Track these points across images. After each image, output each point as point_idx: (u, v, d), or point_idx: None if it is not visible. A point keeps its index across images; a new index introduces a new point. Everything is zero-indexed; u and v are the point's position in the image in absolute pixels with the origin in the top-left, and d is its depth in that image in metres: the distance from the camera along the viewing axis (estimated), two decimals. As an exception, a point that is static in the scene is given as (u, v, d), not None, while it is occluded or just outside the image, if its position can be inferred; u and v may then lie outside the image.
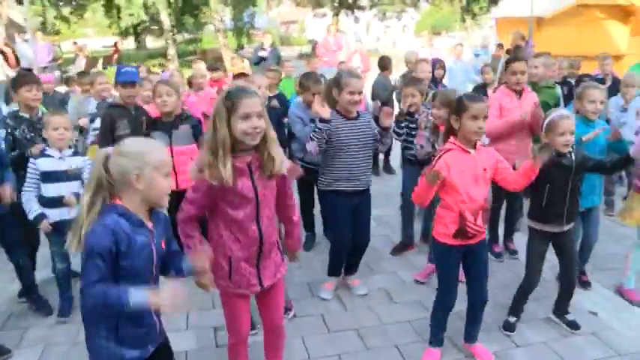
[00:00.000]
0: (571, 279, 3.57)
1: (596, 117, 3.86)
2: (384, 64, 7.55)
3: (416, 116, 4.47)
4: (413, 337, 3.60)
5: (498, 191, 4.31)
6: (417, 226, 5.12)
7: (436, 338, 3.34)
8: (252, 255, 2.55)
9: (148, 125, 4.27)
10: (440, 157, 3.04)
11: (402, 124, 4.49)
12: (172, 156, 3.75)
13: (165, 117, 4.26)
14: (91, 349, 2.13)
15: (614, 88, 5.93)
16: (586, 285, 4.17)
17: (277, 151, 2.50)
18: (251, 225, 2.51)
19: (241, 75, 5.48)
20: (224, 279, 2.59)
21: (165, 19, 20.00)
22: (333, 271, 4.17)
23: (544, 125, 3.38)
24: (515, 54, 7.05)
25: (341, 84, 3.76)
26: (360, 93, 3.79)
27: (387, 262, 4.72)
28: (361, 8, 27.91)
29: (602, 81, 6.02)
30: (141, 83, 4.75)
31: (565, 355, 3.38)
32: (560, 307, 3.68)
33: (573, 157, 3.37)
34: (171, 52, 20.38)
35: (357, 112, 3.89)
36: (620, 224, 4.98)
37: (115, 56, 20.10)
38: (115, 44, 21.66)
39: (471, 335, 3.39)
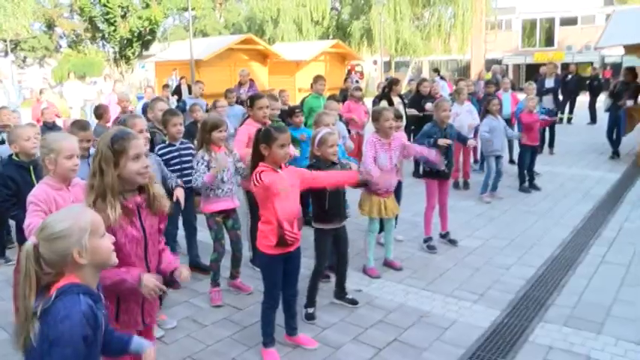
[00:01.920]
0: (346, 263, 4.49)
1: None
2: (101, 112, 7.32)
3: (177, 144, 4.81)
4: (241, 348, 3.91)
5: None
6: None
7: (270, 338, 3.76)
8: (139, 294, 2.54)
9: None
10: (260, 175, 3.47)
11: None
12: None
13: None
14: None
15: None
16: (326, 277, 4.86)
17: (159, 188, 2.61)
18: (140, 265, 2.53)
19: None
20: (111, 320, 2.49)
21: None
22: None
23: (316, 140, 4.19)
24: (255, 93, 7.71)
25: (127, 126, 3.84)
26: (142, 131, 3.99)
27: (175, 294, 4.79)
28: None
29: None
30: None
31: (359, 323, 4.25)
32: (340, 291, 4.56)
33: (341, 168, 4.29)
34: None
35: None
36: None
37: None
38: None
39: (292, 328, 3.93)
